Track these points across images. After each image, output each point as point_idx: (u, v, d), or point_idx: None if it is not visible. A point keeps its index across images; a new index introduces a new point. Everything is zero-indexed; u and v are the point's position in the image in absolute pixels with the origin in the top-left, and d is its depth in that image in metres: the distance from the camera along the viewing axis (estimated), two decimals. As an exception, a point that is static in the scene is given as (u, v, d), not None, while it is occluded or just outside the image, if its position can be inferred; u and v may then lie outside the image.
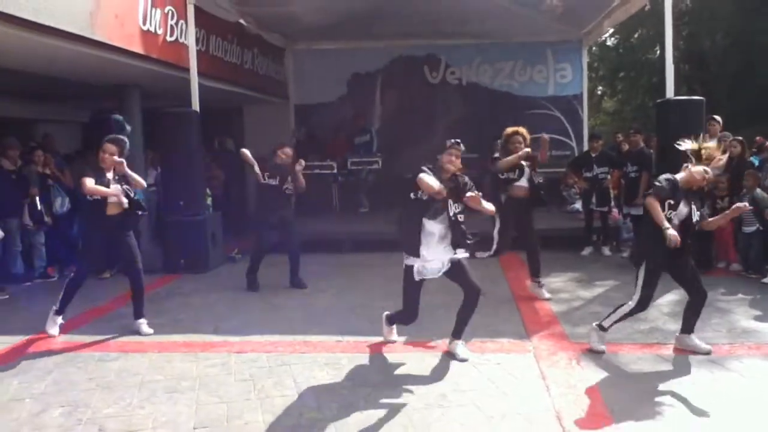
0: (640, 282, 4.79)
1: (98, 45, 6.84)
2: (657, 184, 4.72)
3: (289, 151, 7.33)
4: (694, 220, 4.71)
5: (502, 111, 12.81)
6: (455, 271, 4.82)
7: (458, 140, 4.92)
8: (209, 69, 9.32)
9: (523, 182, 6.53)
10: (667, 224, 4.54)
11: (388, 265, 8.13)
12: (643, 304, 4.80)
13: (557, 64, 13.23)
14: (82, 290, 5.76)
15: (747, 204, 5.21)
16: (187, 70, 8.48)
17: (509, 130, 6.58)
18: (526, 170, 6.54)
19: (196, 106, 8.54)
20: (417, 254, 4.73)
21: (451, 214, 4.71)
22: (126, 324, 5.83)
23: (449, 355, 4.86)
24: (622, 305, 4.91)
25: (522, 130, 6.54)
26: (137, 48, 7.52)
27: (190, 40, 8.47)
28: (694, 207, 4.70)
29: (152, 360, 4.94)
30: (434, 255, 4.78)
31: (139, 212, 5.71)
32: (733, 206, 4.92)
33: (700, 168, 4.70)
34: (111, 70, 7.93)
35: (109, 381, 4.51)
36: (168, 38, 8.20)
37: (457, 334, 4.92)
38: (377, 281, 7.40)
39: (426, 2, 10.48)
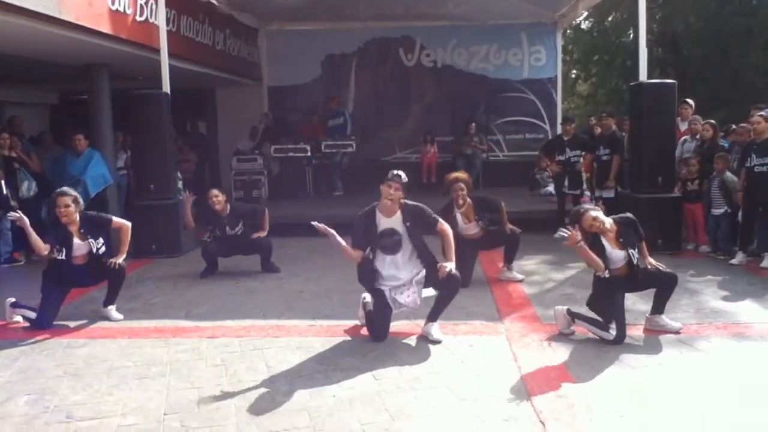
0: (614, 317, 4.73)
1: (66, 25, 6.68)
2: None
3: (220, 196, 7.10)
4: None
5: (477, 94, 12.85)
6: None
7: (399, 173, 4.81)
8: (180, 50, 9.16)
9: (473, 229, 6.51)
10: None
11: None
12: (621, 337, 4.71)
13: (532, 48, 13.25)
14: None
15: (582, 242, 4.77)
16: (157, 50, 8.32)
17: (451, 176, 6.53)
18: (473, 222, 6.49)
19: (166, 87, 8.39)
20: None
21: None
22: (95, 309, 5.75)
23: (423, 338, 4.87)
24: (602, 329, 4.75)
25: (462, 176, 6.50)
26: (106, 28, 7.36)
27: (161, 20, 8.31)
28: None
29: (122, 346, 4.87)
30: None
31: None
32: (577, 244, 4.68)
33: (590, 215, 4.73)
34: (79, 51, 7.77)
35: (77, 368, 4.44)
36: (138, 18, 8.04)
37: (433, 317, 4.94)
38: (351, 265, 7.35)
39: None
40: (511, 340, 4.82)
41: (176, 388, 4.06)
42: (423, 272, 4.87)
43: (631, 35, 18.50)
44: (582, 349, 4.65)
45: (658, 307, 4.98)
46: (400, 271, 4.87)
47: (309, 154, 11.72)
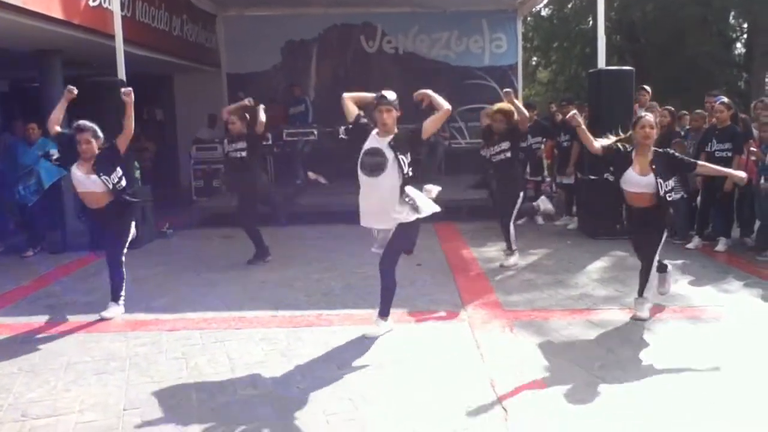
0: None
1: (14, 9, 6.45)
2: None
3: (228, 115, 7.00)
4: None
5: (439, 81, 12.80)
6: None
7: (384, 93, 4.66)
8: (136, 36, 8.94)
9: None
10: None
11: (326, 238, 8.12)
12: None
13: (493, 35, 13.29)
14: (4, 269, 5.47)
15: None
16: (112, 36, 8.09)
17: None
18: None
19: (122, 74, 8.17)
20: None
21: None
22: (51, 304, 5.61)
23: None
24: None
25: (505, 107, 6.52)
26: (57, 13, 7.13)
27: (115, 5, 8.07)
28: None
29: (79, 341, 4.76)
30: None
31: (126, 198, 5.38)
32: None
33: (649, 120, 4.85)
34: (28, 37, 7.52)
35: (33, 364, 4.32)
36: (91, 3, 7.81)
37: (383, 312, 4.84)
38: (313, 254, 7.34)
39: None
40: (473, 327, 4.86)
41: (136, 383, 3.98)
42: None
43: (590, 23, 18.70)
44: (543, 334, 4.71)
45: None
46: (375, 197, 4.56)
47: (270, 142, 11.56)
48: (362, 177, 4.62)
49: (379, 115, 4.62)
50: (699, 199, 7.53)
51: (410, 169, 4.59)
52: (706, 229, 7.43)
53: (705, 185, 7.32)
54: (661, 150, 4.91)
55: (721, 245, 7.13)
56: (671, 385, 3.82)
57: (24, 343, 4.72)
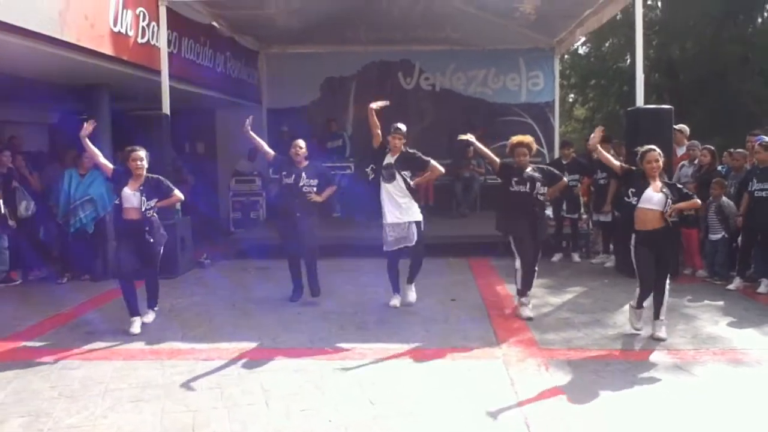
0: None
1: (67, 46, 6.71)
2: None
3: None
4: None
5: (476, 118, 12.88)
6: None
7: (399, 125, 6.40)
8: (181, 72, 9.21)
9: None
10: None
11: (360, 272, 8.14)
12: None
13: (530, 72, 13.33)
14: (42, 296, 5.62)
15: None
16: (158, 72, 8.38)
17: (515, 140, 6.35)
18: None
19: (166, 109, 8.44)
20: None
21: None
22: (90, 331, 5.74)
23: (420, 361, 4.85)
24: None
25: (526, 140, 6.34)
26: (107, 50, 7.40)
27: (162, 42, 8.37)
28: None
29: (117, 368, 4.84)
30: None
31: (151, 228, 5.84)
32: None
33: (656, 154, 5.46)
34: (80, 72, 7.80)
35: (73, 390, 4.41)
36: (139, 40, 8.09)
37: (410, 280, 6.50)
38: (349, 287, 7.37)
39: (399, 8, 10.51)
40: (508, 365, 4.81)
41: (171, 411, 4.03)
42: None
43: (628, 60, 18.65)
44: (579, 373, 4.64)
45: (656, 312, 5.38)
46: (393, 196, 6.34)
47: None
48: (383, 184, 6.39)
49: (392, 140, 6.38)
50: (740, 239, 7.38)
51: (411, 181, 6.41)
52: (748, 270, 7.27)
53: (746, 225, 7.18)
54: (669, 182, 5.62)
55: (763, 287, 6.95)
56: (710, 429, 3.72)
57: (64, 369, 4.83)
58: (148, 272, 6.00)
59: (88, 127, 5.84)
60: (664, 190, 5.33)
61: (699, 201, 5.77)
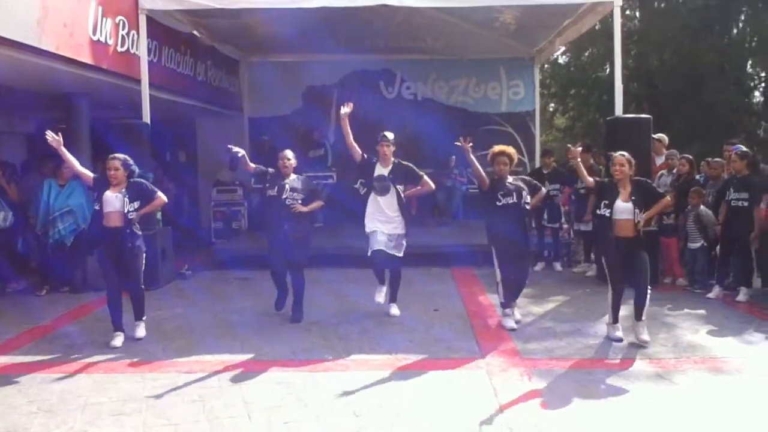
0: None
1: (45, 54, 6.65)
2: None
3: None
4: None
5: (457, 127, 12.91)
6: None
7: (385, 133, 6.40)
8: (161, 80, 9.16)
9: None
10: None
11: (342, 282, 8.11)
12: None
13: (510, 81, 13.44)
14: (20, 309, 5.52)
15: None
16: (138, 81, 8.32)
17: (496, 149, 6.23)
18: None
19: (147, 118, 8.37)
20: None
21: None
22: (69, 344, 5.65)
23: (404, 373, 4.84)
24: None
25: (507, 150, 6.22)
26: (86, 58, 7.34)
27: (142, 51, 8.32)
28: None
29: (97, 381, 4.78)
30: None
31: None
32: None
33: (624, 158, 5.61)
34: (58, 80, 7.72)
35: (51, 404, 4.34)
36: (119, 48, 8.03)
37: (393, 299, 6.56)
38: (329, 298, 7.34)
39: (380, 18, 10.53)
40: (491, 375, 4.81)
41: (152, 425, 3.98)
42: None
43: (607, 70, 18.85)
44: (562, 383, 4.65)
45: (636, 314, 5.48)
46: (385, 210, 6.29)
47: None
48: (374, 196, 6.33)
49: (380, 148, 6.34)
50: (718, 248, 7.46)
51: (404, 194, 6.40)
52: (727, 278, 7.35)
53: (723, 234, 7.26)
54: (639, 179, 5.67)
55: (742, 295, 7.03)
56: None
57: (42, 383, 4.75)
58: (131, 286, 5.82)
59: (53, 141, 5.71)
60: (633, 197, 5.47)
61: (668, 198, 5.86)
